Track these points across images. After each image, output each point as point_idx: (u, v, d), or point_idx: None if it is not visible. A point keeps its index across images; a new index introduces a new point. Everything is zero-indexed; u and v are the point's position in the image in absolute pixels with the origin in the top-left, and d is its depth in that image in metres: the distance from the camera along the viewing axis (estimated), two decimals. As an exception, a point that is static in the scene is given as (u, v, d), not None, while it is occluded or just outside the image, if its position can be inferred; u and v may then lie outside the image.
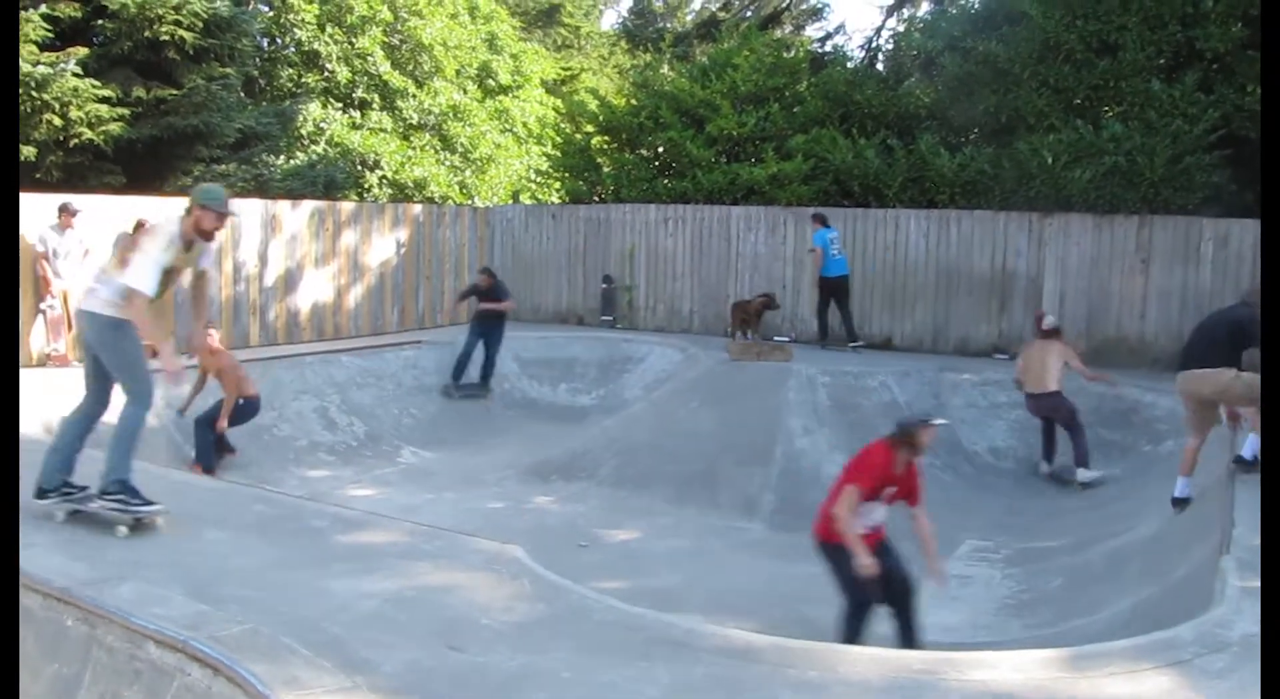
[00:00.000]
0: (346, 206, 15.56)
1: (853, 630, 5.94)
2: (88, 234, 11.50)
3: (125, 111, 14.20)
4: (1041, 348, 10.69)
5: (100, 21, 14.63)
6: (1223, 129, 12.58)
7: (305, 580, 5.00)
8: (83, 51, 14.06)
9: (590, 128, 18.88)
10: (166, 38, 14.54)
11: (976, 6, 16.89)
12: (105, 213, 11.90)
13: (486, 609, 4.75)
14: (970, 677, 4.07)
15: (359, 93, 22.04)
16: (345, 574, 5.12)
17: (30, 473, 5.61)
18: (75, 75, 13.62)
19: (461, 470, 11.30)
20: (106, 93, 13.97)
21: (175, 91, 14.94)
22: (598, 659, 4.22)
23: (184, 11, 14.58)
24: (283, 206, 14.27)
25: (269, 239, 13.91)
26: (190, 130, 15.06)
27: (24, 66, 12.83)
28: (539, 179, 24.30)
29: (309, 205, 14.71)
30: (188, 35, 14.67)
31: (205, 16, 14.90)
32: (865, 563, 5.71)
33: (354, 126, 21.29)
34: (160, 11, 14.39)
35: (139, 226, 12.01)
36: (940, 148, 14.60)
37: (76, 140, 13.72)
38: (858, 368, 12.31)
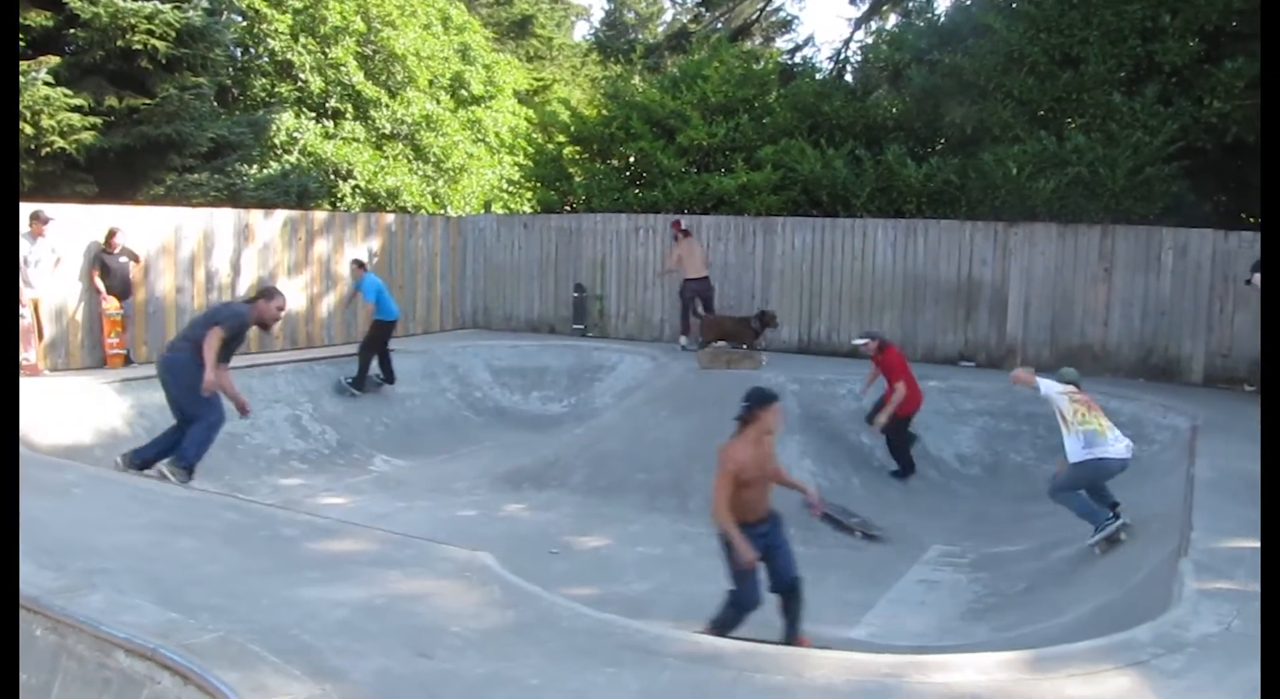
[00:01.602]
0: (319, 216, 15.55)
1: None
2: (59, 242, 11.47)
3: (97, 120, 14.17)
4: (688, 245, 14.40)
5: (72, 30, 14.59)
6: (1181, 141, 12.80)
7: (275, 588, 5.03)
8: (54, 60, 14.03)
9: (562, 138, 18.97)
10: (139, 47, 14.51)
11: (943, 20, 17.14)
12: (77, 221, 11.86)
13: (456, 616, 4.79)
14: (934, 679, 4.16)
15: (332, 102, 22.03)
16: (316, 582, 5.16)
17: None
18: (47, 84, 13.59)
19: (433, 478, 11.33)
20: (78, 101, 13.93)
21: (148, 100, 14.91)
22: (566, 666, 4.28)
23: (156, 21, 14.56)
24: (256, 216, 14.25)
25: (242, 248, 13.89)
26: (163, 139, 15.04)
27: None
28: (511, 189, 24.35)
29: (282, 214, 14.70)
30: (160, 44, 14.65)
31: (178, 26, 14.88)
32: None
33: (327, 136, 21.27)
34: (133, 21, 14.37)
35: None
36: (907, 158, 14.77)
37: (48, 149, 13.67)
38: (826, 375, 12.44)
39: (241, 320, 8.62)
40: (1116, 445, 7.96)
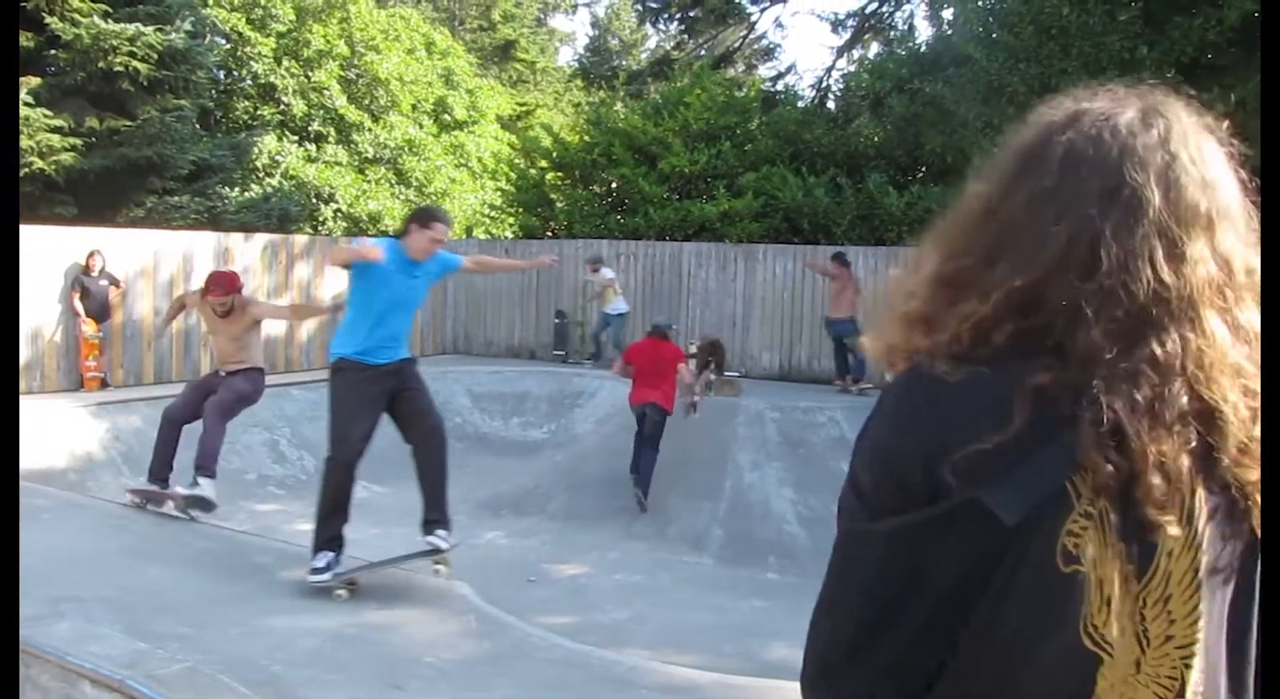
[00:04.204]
0: (300, 240, 15.50)
1: None
2: (38, 266, 11.38)
3: (78, 142, 14.12)
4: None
5: (53, 51, 14.54)
6: (1160, 170, 12.92)
7: (245, 617, 4.97)
8: (35, 81, 13.97)
9: (544, 163, 19.01)
10: (120, 69, 14.47)
11: (924, 49, 17.32)
12: (56, 244, 11.79)
13: (430, 646, 4.75)
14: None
15: (315, 126, 22.05)
16: (287, 611, 5.10)
17: None
18: (27, 105, 13.53)
19: (412, 505, 11.15)
20: (59, 123, 13.88)
21: (129, 122, 14.86)
22: (540, 698, 4.24)
23: (138, 43, 14.53)
24: (236, 239, 14.19)
25: (220, 272, 13.81)
26: (144, 161, 14.98)
27: (-27, 96, 12.74)
28: (493, 214, 24.38)
29: (262, 238, 14.64)
30: (142, 67, 14.62)
31: (160, 48, 14.86)
32: None
33: (309, 160, 21.27)
34: (114, 43, 14.33)
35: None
36: (888, 186, 14.86)
37: (27, 170, 13.59)
38: (807, 403, 12.44)
39: None
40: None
